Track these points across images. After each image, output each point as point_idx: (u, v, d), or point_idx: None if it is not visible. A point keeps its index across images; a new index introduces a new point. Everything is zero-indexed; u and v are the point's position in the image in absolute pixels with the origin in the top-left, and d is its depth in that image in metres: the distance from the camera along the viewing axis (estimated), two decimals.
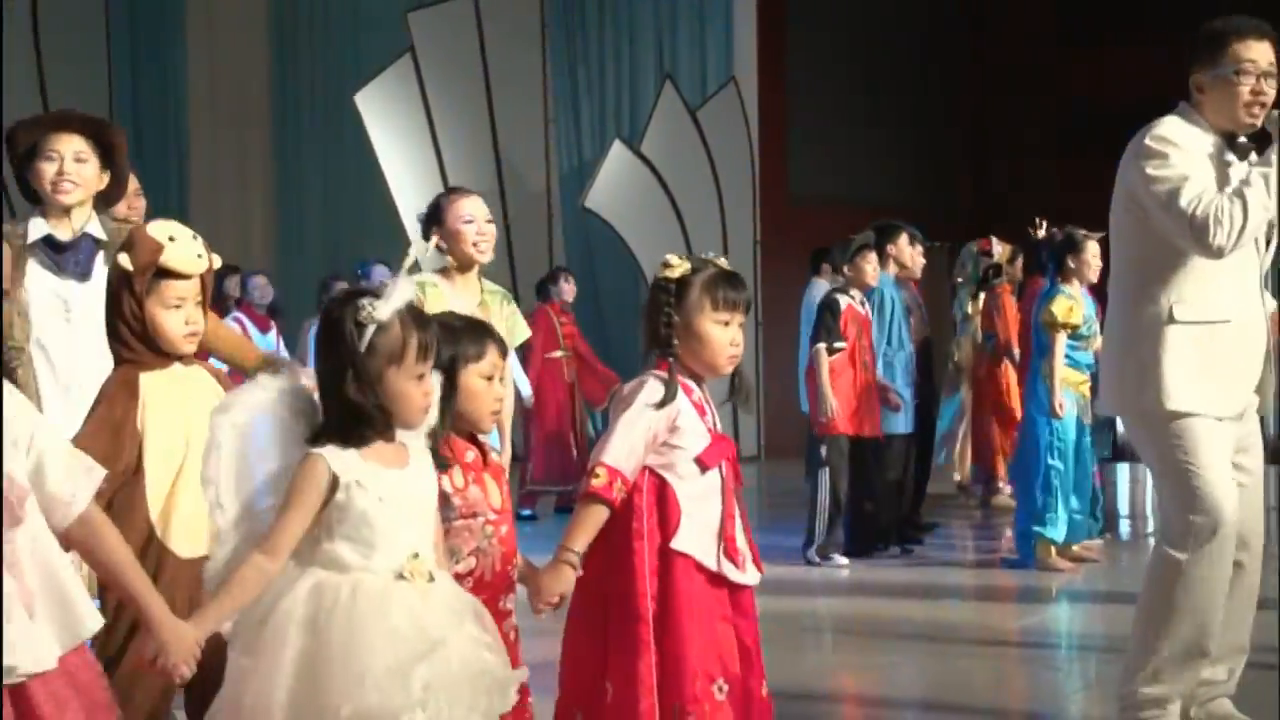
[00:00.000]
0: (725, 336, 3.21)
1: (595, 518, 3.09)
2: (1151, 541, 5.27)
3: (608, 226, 13.52)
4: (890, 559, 7.95)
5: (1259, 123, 3.94)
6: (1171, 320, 3.91)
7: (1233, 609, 4.11)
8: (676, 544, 3.11)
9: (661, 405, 3.13)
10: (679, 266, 3.22)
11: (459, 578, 2.86)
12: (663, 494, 3.13)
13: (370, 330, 2.61)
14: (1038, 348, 7.56)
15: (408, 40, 13.03)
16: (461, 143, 13.42)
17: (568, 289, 10.41)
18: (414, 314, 2.66)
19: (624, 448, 3.10)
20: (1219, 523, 3.93)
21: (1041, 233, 9.16)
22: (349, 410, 2.62)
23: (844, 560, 7.71)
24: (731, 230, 14.06)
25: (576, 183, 14.27)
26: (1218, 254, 3.81)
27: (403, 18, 13.16)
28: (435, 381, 2.73)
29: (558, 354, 10.21)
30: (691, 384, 3.21)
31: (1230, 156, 3.99)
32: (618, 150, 13.62)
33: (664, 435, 3.13)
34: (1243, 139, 3.98)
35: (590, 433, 10.38)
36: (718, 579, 3.14)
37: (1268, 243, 4.09)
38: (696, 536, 3.12)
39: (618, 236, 13.52)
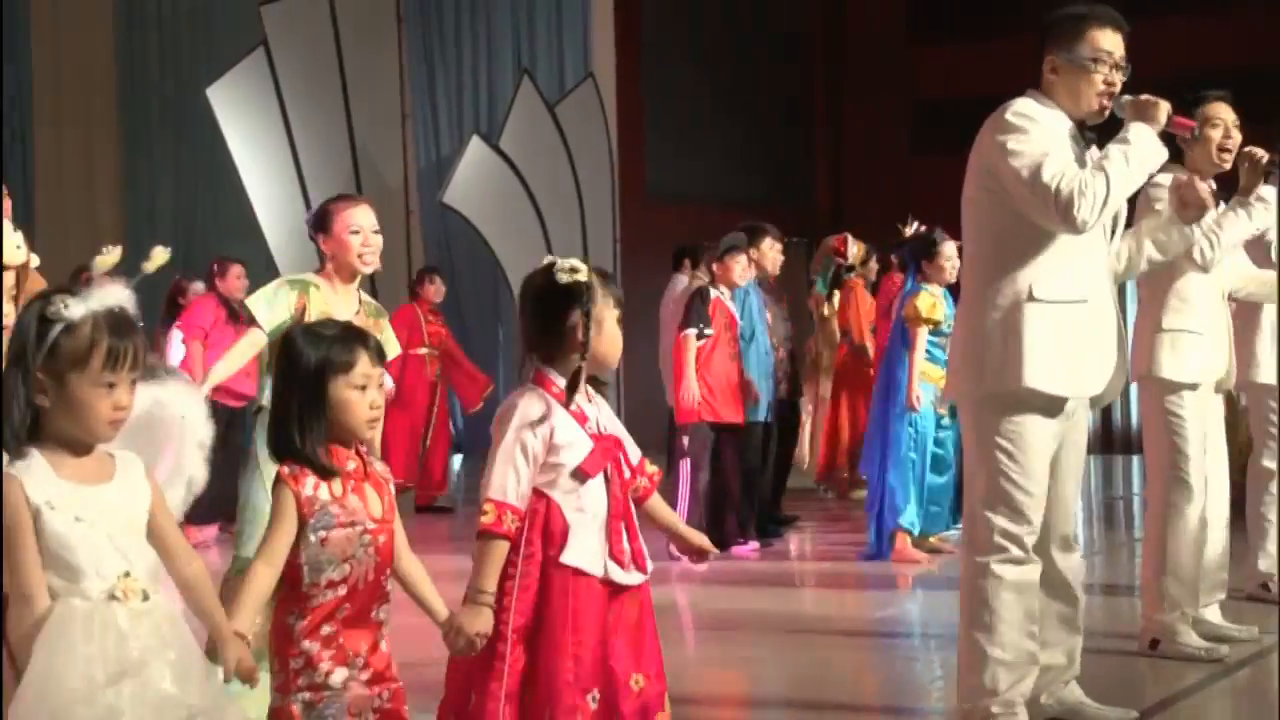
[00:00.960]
0: (618, 334, 3.23)
1: (495, 554, 3.07)
2: None
3: (467, 223, 13.47)
4: (750, 553, 7.95)
5: (1105, 114, 3.98)
6: (1031, 298, 3.88)
7: (1054, 602, 4.13)
8: (566, 558, 3.10)
9: (539, 424, 3.10)
10: (583, 268, 3.17)
11: (332, 584, 2.86)
12: (547, 510, 3.12)
13: (56, 329, 2.49)
14: (898, 342, 7.63)
15: (260, 34, 12.85)
16: (317, 138, 13.28)
17: (434, 290, 10.38)
18: (113, 319, 2.54)
19: (507, 477, 3.07)
20: (1023, 528, 3.95)
21: (910, 231, 9.22)
22: (27, 412, 2.50)
23: None
24: (591, 227, 14.10)
25: (435, 178, 14.21)
26: (1081, 228, 3.79)
27: (256, 11, 12.96)
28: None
29: (421, 351, 10.16)
30: (572, 391, 3.18)
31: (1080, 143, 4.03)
32: (476, 146, 13.58)
33: (543, 456, 3.11)
34: (1088, 129, 4.02)
35: (452, 431, 10.28)
36: (604, 583, 3.13)
37: (1113, 230, 4.14)
38: (583, 547, 3.11)
39: (477, 233, 13.47)
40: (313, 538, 2.85)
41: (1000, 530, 3.94)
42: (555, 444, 3.12)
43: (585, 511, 3.13)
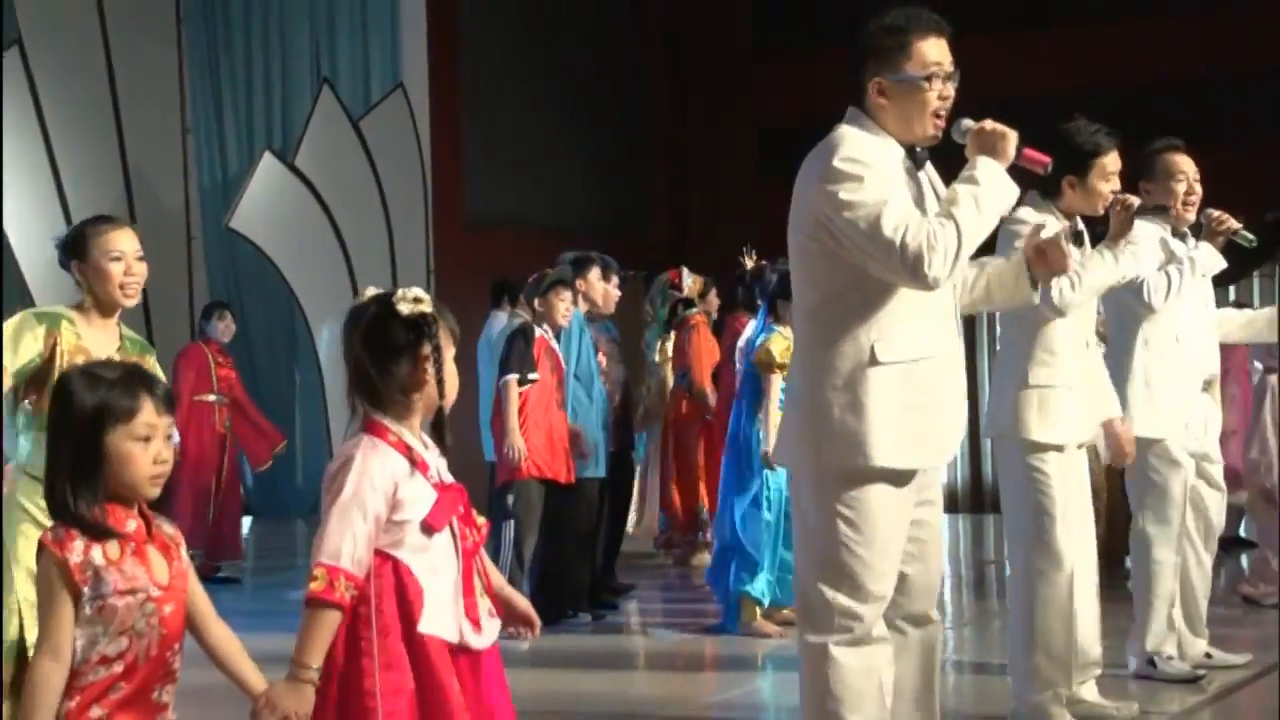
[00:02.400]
0: (456, 374, 3.23)
1: (325, 625, 3.03)
2: None
3: (257, 251, 13.38)
4: (580, 626, 8.00)
5: (940, 134, 3.99)
6: (874, 361, 3.89)
7: (908, 680, 4.12)
8: (424, 627, 3.09)
9: (379, 477, 3.09)
10: (427, 299, 3.17)
11: (106, 660, 2.84)
12: (397, 575, 3.11)
13: None
14: (749, 390, 7.64)
15: (15, 29, 12.61)
16: (82, 152, 13.13)
17: (224, 327, 10.31)
18: None
19: (343, 540, 3.05)
20: (867, 605, 3.96)
21: (749, 263, 9.33)
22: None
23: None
24: (401, 255, 14.09)
25: (220, 201, 14.12)
26: (933, 285, 3.80)
27: (9, 4, 12.65)
28: None
29: (210, 398, 10.09)
30: (411, 439, 3.18)
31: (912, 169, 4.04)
32: (268, 163, 13.51)
33: (385, 514, 3.10)
34: (920, 149, 4.03)
35: (244, 489, 10.07)
36: (460, 650, 3.14)
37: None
38: (440, 612, 3.12)
39: (269, 262, 13.39)
40: (88, 609, 2.84)
41: (840, 609, 3.94)
42: (399, 499, 3.11)
43: (438, 572, 3.13)
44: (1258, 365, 8.82)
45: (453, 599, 3.14)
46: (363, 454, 3.11)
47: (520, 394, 7.80)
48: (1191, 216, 5.56)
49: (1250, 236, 5.81)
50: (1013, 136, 3.97)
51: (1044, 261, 4.22)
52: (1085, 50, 15.11)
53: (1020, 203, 4.60)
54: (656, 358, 10.21)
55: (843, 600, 3.92)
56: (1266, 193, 13.58)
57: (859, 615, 3.93)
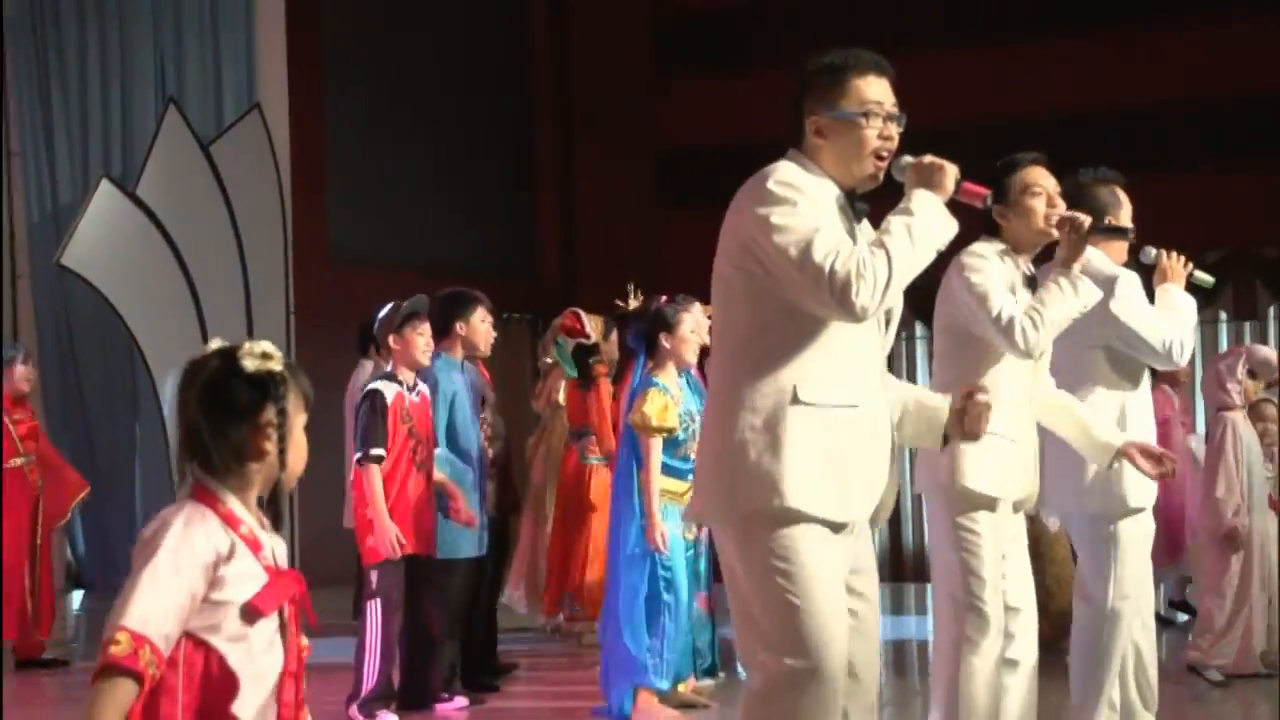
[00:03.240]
0: (305, 443, 3.21)
1: (119, 696, 2.94)
2: None
3: (93, 290, 13.28)
4: (456, 711, 7.93)
5: (880, 177, 4.13)
6: (796, 400, 4.00)
7: None
8: None
9: (200, 550, 3.04)
10: (278, 355, 3.15)
11: None
12: (207, 665, 3.05)
13: None
14: (628, 455, 7.60)
15: None
16: None
17: (23, 373, 10.03)
18: None
19: (151, 607, 2.98)
20: (822, 668, 3.96)
21: (633, 303, 9.32)
22: None
23: (395, 718, 7.58)
24: (257, 296, 14.00)
25: (50, 234, 14.02)
26: (860, 315, 3.93)
27: None
28: None
29: (17, 462, 9.88)
30: (244, 513, 3.15)
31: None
32: (106, 193, 13.43)
33: (203, 591, 3.05)
34: (860, 205, 4.14)
35: (69, 558, 9.89)
36: None
37: (888, 322, 4.25)
38: (257, 711, 3.07)
39: (106, 303, 13.28)
40: None
41: (793, 674, 3.94)
42: (220, 576, 3.06)
43: (255, 663, 3.07)
44: (1223, 402, 8.86)
45: (267, 703, 3.09)
46: (185, 519, 3.06)
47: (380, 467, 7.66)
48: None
49: (1208, 279, 5.88)
50: (951, 170, 4.13)
51: (962, 422, 4.32)
52: (1012, 75, 15.34)
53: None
54: (558, 398, 10.16)
55: (795, 665, 3.94)
56: (1205, 228, 14.13)
57: (813, 679, 3.94)
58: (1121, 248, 5.92)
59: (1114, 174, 5.98)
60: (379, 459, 7.60)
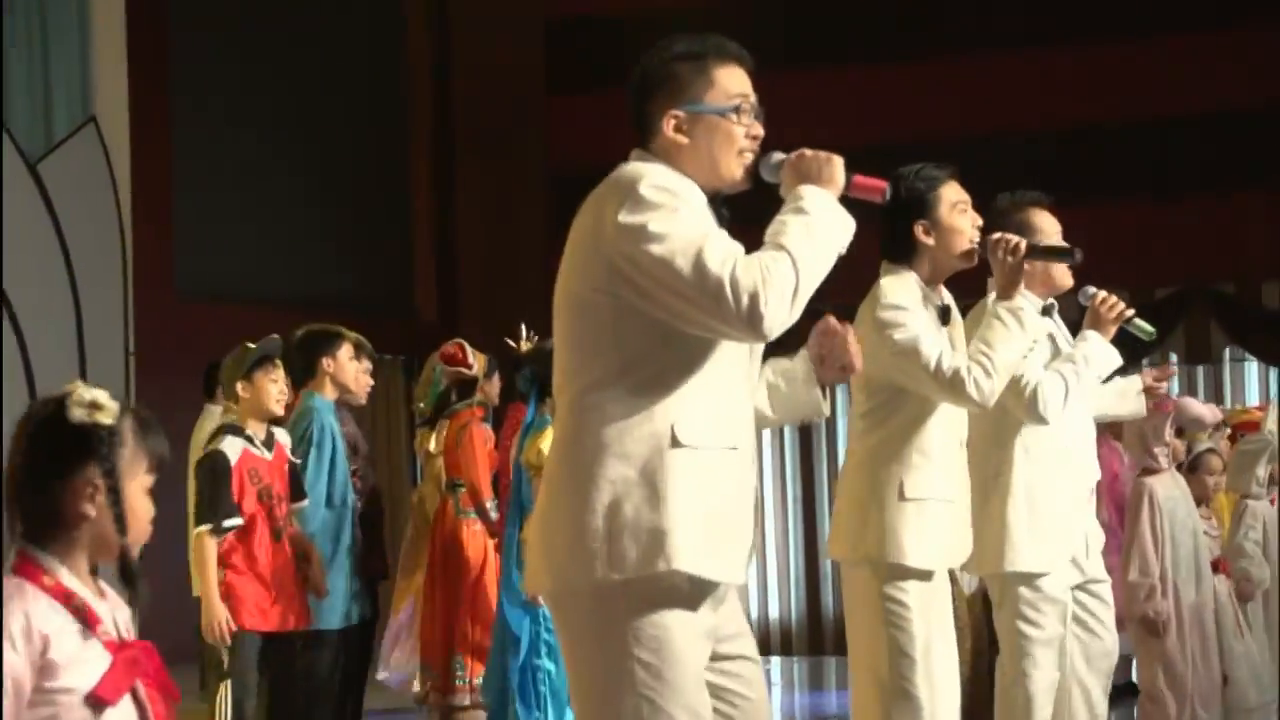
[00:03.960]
0: (149, 508, 3.21)
1: None
2: None
3: None
4: None
5: (748, 179, 4.06)
6: (676, 444, 3.87)
7: None
8: None
9: (23, 633, 3.02)
10: (110, 406, 3.12)
11: None
12: None
13: None
14: (517, 502, 7.76)
15: None
16: None
17: None
18: None
19: None
20: None
21: (524, 344, 9.46)
22: None
23: None
24: (91, 334, 13.86)
25: None
26: (767, 332, 3.82)
27: None
28: None
29: None
30: (75, 584, 3.12)
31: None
32: None
33: (31, 680, 3.04)
34: (724, 212, 4.10)
35: None
36: None
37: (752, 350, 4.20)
38: None
39: None
40: None
41: None
42: (51, 661, 3.05)
43: None
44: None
45: None
46: (4, 600, 3.04)
47: (221, 541, 7.53)
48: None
49: (1149, 329, 6.00)
50: (838, 161, 4.01)
51: (823, 362, 4.39)
52: (926, 91, 15.41)
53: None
54: (431, 445, 10.14)
55: None
56: (1151, 262, 14.40)
57: None
58: (1064, 272, 5.98)
59: (1038, 195, 6.03)
60: (230, 530, 7.48)
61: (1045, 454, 6.01)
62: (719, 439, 3.95)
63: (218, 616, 7.40)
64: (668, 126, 4.02)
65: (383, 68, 17.22)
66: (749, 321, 3.78)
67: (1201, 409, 9.06)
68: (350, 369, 8.31)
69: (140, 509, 3.16)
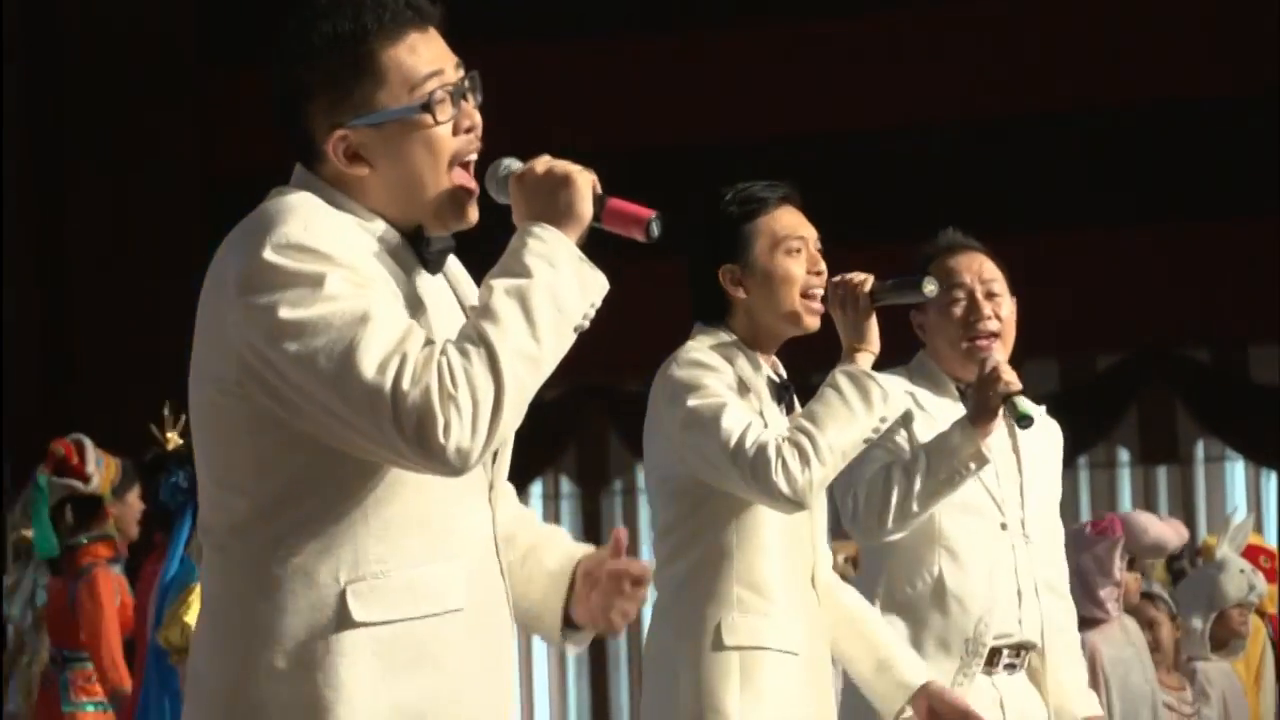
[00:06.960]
0: None
1: None
2: None
3: None
4: None
5: (474, 192, 3.87)
6: (347, 621, 3.72)
7: None
8: None
9: None
10: None
11: None
12: None
13: None
14: (155, 678, 8.67)
15: None
16: None
17: None
18: None
19: None
20: None
21: (174, 437, 9.46)
22: None
23: None
24: None
25: None
26: (456, 465, 3.75)
27: None
28: None
29: None
30: None
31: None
32: None
33: None
34: (432, 238, 4.03)
35: None
36: None
37: (494, 456, 3.98)
38: None
39: None
40: None
41: None
42: None
43: None
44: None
45: None
46: None
47: None
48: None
49: (1030, 411, 5.77)
50: (585, 182, 3.70)
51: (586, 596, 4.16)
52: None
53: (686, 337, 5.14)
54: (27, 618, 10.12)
55: None
56: (1099, 316, 14.34)
57: None
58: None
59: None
60: None
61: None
62: (426, 602, 3.74)
63: None
64: (334, 151, 3.72)
65: None
66: (422, 452, 3.58)
67: (1159, 528, 9.33)
68: None
69: None
